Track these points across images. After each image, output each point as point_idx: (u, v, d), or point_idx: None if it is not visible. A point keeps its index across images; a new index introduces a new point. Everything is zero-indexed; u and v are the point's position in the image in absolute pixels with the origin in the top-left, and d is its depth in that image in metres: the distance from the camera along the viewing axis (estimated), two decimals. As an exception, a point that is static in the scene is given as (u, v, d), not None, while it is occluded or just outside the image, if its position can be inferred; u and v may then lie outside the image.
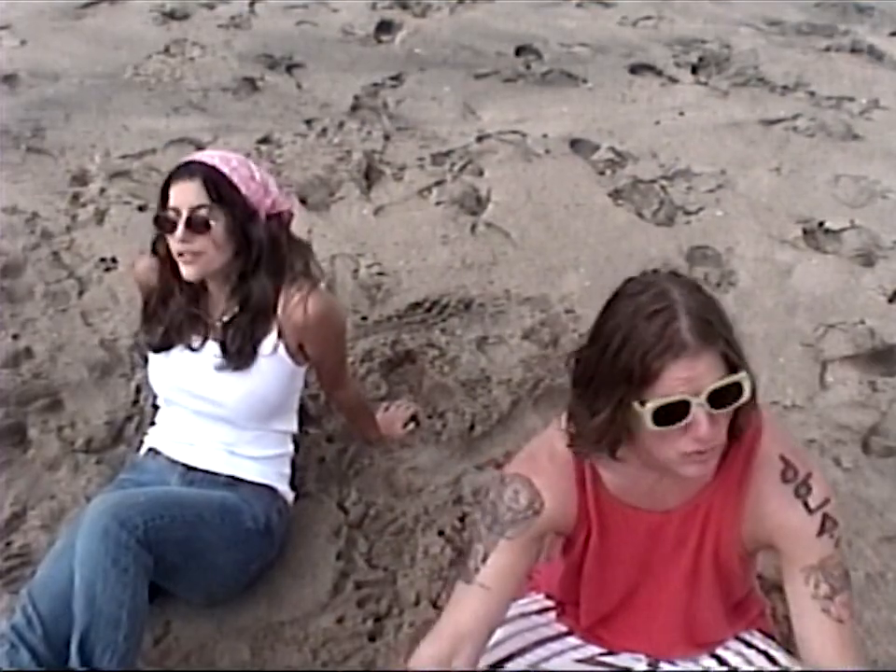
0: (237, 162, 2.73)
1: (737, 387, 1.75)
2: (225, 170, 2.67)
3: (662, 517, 2.01)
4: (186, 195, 2.62)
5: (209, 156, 2.72)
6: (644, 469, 1.93)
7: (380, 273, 3.98)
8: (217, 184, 2.63)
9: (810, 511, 1.90)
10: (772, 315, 3.76)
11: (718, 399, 1.72)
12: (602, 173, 4.72)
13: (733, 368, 1.75)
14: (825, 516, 1.90)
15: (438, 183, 4.60)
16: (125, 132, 5.04)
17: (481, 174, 4.70)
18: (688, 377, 1.69)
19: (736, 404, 1.76)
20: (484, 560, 1.99)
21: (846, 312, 3.79)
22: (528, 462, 2.06)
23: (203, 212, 2.60)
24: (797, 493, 1.91)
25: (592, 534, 2.04)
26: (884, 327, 3.70)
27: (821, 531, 1.90)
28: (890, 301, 3.86)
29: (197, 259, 2.63)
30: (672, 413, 1.71)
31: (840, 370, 3.54)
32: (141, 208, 4.33)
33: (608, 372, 1.75)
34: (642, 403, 1.71)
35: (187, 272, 2.64)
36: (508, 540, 1.99)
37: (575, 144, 5.00)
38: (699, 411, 1.71)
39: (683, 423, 1.72)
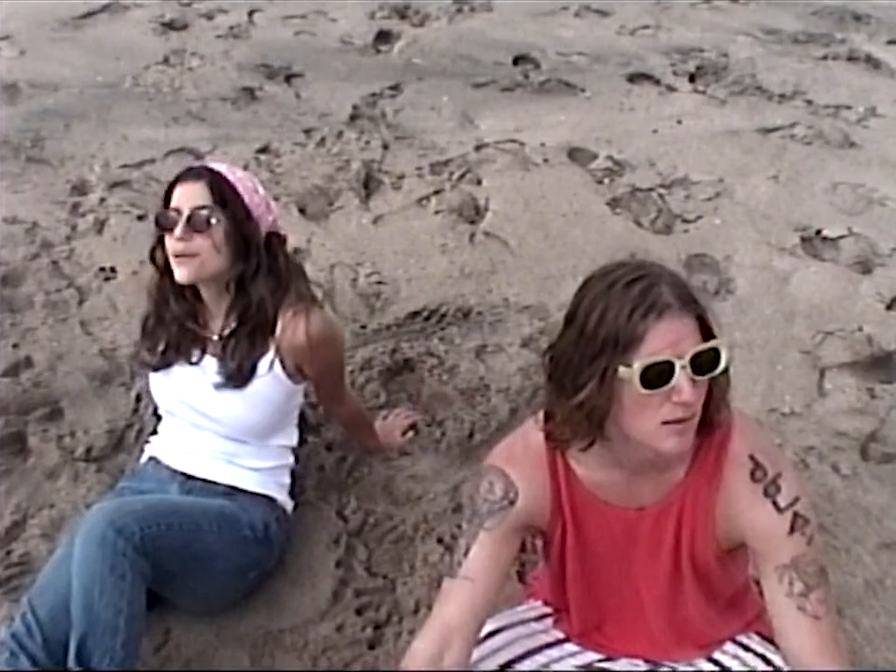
0: (242, 174, 2.77)
1: (716, 354, 1.80)
2: (230, 177, 2.69)
3: (636, 514, 2.03)
4: (189, 195, 2.63)
5: (216, 164, 2.74)
6: (617, 465, 1.96)
7: (379, 282, 3.98)
8: (220, 187, 2.65)
9: (780, 509, 1.92)
10: (770, 322, 3.77)
11: (699, 363, 1.77)
12: (600, 181, 4.73)
13: (709, 335, 1.80)
14: (795, 514, 1.92)
15: (436, 192, 4.60)
16: (125, 141, 5.06)
17: (479, 182, 4.71)
18: (672, 339, 1.74)
19: (715, 371, 1.80)
20: (466, 553, 2.02)
21: (844, 319, 3.79)
22: (503, 454, 2.10)
23: (204, 212, 2.61)
24: (766, 492, 1.93)
25: (567, 529, 2.06)
26: (882, 334, 3.71)
27: (792, 530, 1.91)
28: (888, 308, 3.87)
29: (192, 260, 2.62)
30: (657, 376, 1.74)
31: (838, 377, 3.54)
32: (140, 218, 4.34)
33: (590, 344, 1.79)
34: (628, 366, 1.74)
35: (180, 273, 2.64)
36: (487, 532, 2.02)
37: (573, 153, 5.01)
38: (682, 375, 1.74)
39: (668, 386, 1.75)
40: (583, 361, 1.80)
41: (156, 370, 2.86)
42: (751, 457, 1.95)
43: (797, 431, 3.28)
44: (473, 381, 3.49)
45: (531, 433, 2.03)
